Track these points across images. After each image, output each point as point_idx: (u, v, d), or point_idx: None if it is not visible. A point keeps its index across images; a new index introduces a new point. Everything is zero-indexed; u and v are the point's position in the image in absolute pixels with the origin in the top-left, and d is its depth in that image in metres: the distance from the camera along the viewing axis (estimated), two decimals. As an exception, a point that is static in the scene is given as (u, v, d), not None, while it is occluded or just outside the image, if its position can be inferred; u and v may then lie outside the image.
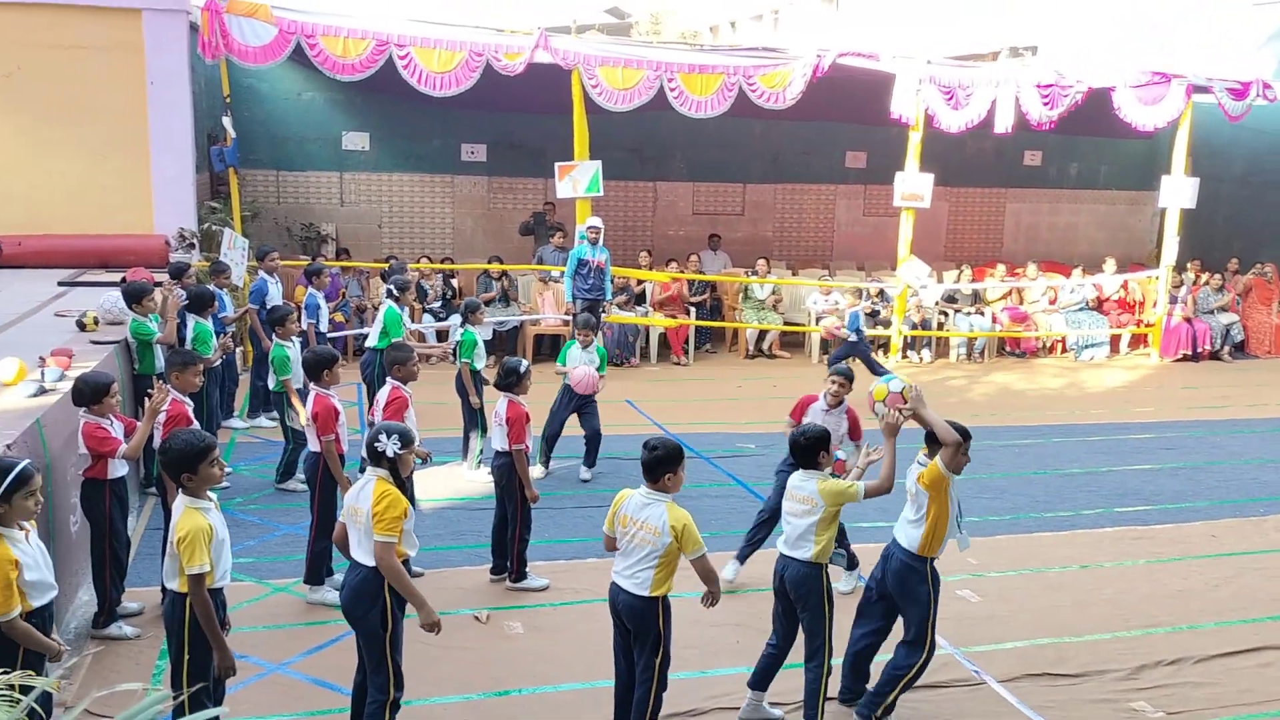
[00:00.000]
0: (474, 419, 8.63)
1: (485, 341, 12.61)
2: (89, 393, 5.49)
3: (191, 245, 11.60)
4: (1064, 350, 14.97)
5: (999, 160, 17.20)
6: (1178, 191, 14.41)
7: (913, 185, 13.33)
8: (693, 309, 13.95)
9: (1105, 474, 9.41)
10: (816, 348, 13.93)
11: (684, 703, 5.12)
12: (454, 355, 8.78)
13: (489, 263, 13.71)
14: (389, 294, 9.42)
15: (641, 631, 4.47)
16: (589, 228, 12.25)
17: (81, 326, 7.84)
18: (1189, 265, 15.50)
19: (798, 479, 4.93)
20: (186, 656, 4.11)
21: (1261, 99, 14.14)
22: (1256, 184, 17.49)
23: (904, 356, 13.91)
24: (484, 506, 6.82)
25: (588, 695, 5.21)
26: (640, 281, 13.88)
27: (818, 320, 13.80)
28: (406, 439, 4.47)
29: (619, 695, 4.68)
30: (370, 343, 9.18)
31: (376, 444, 4.41)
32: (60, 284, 10.25)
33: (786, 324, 14.28)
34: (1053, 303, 15.11)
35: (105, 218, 11.55)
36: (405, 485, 4.48)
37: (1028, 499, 8.64)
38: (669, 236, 16.10)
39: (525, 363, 6.76)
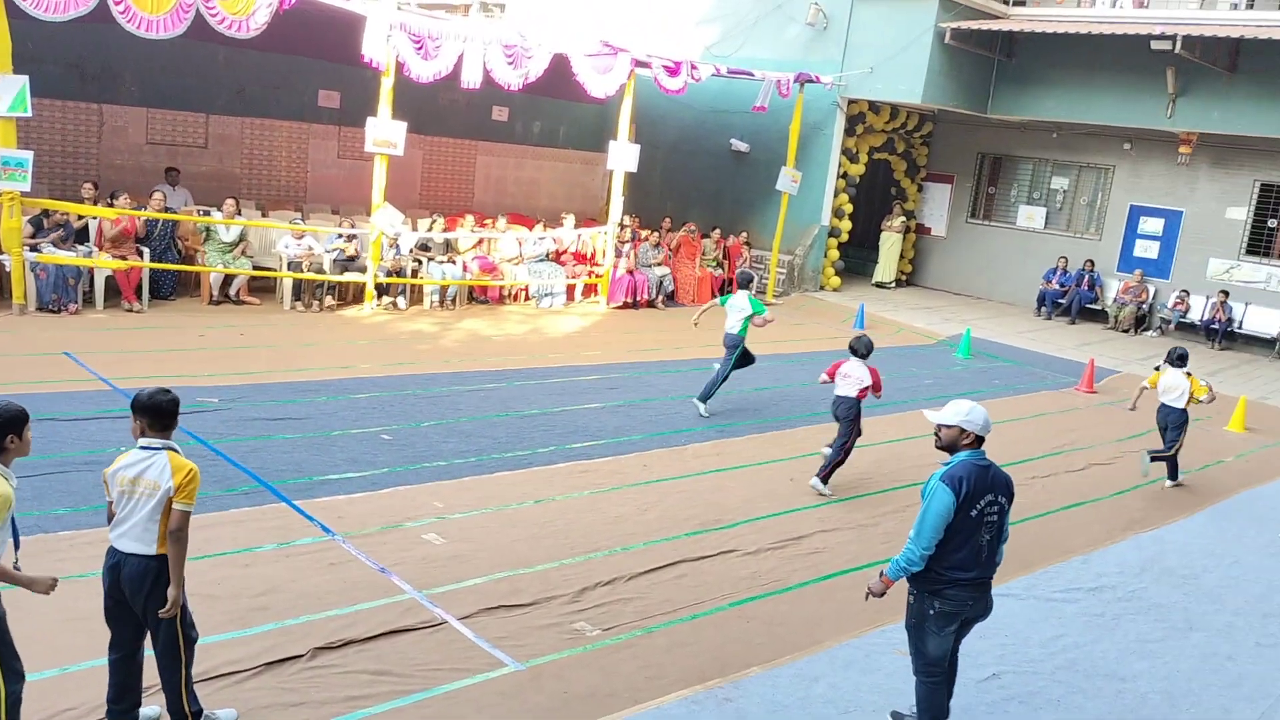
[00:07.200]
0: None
1: None
2: None
3: None
4: (527, 298, 16.02)
5: (470, 113, 17.78)
6: (623, 155, 16.07)
7: (385, 131, 13.32)
8: (146, 250, 12.72)
9: (559, 414, 10.26)
10: (289, 294, 13.46)
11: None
12: None
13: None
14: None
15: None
16: None
17: None
18: (629, 221, 17.29)
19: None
20: None
21: (691, 79, 16.14)
22: (685, 152, 20.03)
23: (379, 303, 13.96)
24: None
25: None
26: (80, 217, 12.34)
27: (289, 265, 13.34)
28: None
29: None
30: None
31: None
32: None
33: (256, 268, 13.59)
34: (517, 254, 16.07)
35: None
36: None
37: (491, 441, 9.16)
38: (118, 166, 14.44)
39: None
